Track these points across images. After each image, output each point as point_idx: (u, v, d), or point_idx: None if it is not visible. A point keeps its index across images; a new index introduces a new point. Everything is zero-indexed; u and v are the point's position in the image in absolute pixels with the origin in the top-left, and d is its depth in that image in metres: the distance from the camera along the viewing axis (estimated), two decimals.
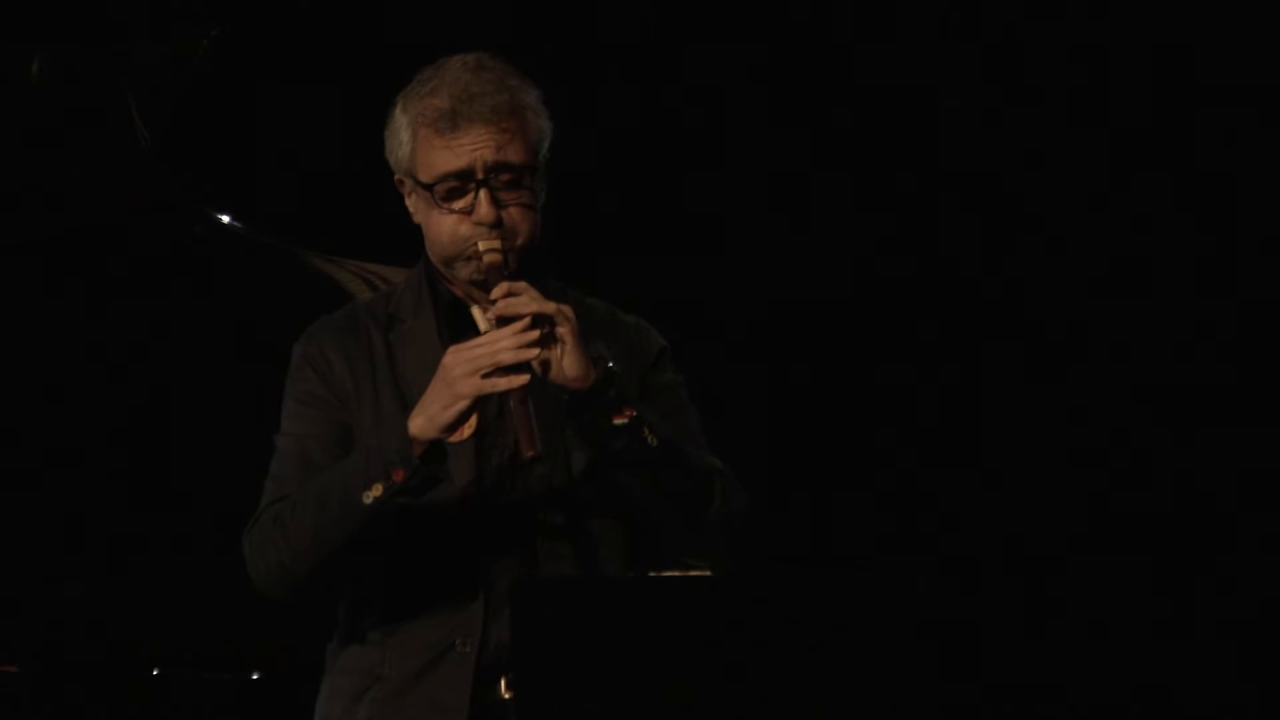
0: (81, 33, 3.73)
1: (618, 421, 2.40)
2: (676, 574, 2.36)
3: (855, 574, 2.24)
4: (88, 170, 3.63)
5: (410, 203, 2.56)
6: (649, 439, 2.41)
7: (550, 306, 2.39)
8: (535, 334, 2.36)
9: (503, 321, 2.39)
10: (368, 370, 2.54)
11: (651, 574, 2.42)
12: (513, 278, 2.44)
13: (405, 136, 2.51)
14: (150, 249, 3.67)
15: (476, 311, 2.48)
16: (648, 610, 2.14)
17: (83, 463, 3.69)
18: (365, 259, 3.66)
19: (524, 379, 2.35)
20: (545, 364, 2.37)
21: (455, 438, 2.42)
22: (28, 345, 3.68)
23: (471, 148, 2.46)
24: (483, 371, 2.35)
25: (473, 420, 2.40)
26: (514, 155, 2.47)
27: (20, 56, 3.60)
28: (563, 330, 2.38)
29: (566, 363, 2.38)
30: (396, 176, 2.56)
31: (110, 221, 3.66)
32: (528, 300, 2.39)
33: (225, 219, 3.62)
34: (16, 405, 3.68)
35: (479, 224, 2.46)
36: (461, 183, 2.47)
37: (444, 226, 2.49)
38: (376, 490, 2.39)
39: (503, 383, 2.35)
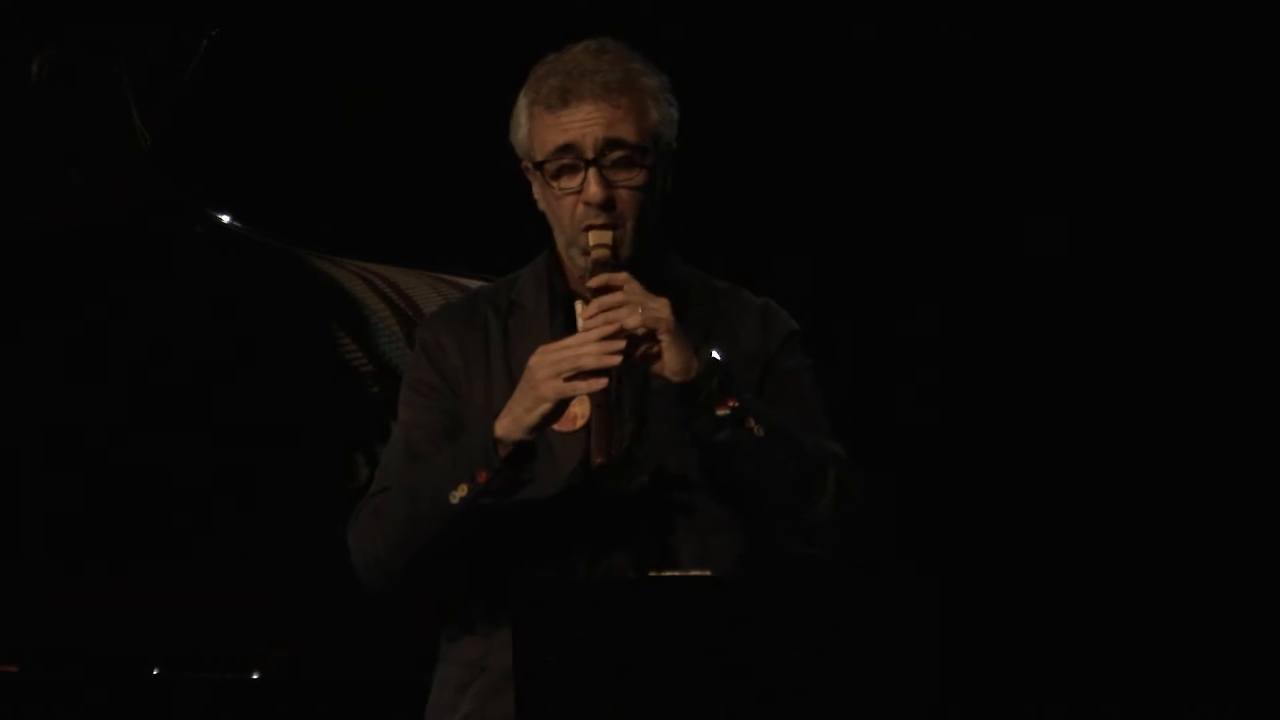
0: (82, 30, 3.74)
1: (720, 413, 2.37)
2: (677, 574, 2.37)
3: (860, 572, 2.21)
4: (88, 170, 3.63)
5: (535, 190, 2.53)
6: (754, 429, 2.38)
7: (635, 320, 2.36)
8: (621, 343, 2.35)
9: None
10: (481, 357, 2.53)
11: (653, 573, 2.41)
12: (620, 267, 2.41)
13: (524, 118, 2.49)
14: (150, 248, 3.68)
15: (579, 306, 2.46)
16: (648, 611, 2.13)
17: (79, 462, 3.70)
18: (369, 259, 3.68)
19: (603, 383, 2.33)
20: (647, 358, 2.37)
21: (566, 428, 2.42)
22: (29, 344, 3.70)
23: (582, 124, 2.43)
24: (565, 375, 2.34)
25: (586, 410, 2.39)
26: (626, 133, 2.44)
27: (20, 55, 3.60)
28: (658, 330, 2.36)
29: (667, 357, 2.36)
30: (522, 163, 2.53)
31: (109, 221, 3.67)
32: (621, 297, 2.37)
33: (225, 219, 3.63)
34: (15, 404, 3.70)
35: (588, 204, 2.43)
36: (572, 160, 2.44)
37: (561, 210, 2.47)
38: (462, 490, 2.39)
39: (583, 386, 2.34)
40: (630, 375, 2.43)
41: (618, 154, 2.44)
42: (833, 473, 2.45)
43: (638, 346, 2.36)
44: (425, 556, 2.46)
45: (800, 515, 2.44)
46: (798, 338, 2.58)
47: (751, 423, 2.38)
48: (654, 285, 2.41)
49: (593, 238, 2.44)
